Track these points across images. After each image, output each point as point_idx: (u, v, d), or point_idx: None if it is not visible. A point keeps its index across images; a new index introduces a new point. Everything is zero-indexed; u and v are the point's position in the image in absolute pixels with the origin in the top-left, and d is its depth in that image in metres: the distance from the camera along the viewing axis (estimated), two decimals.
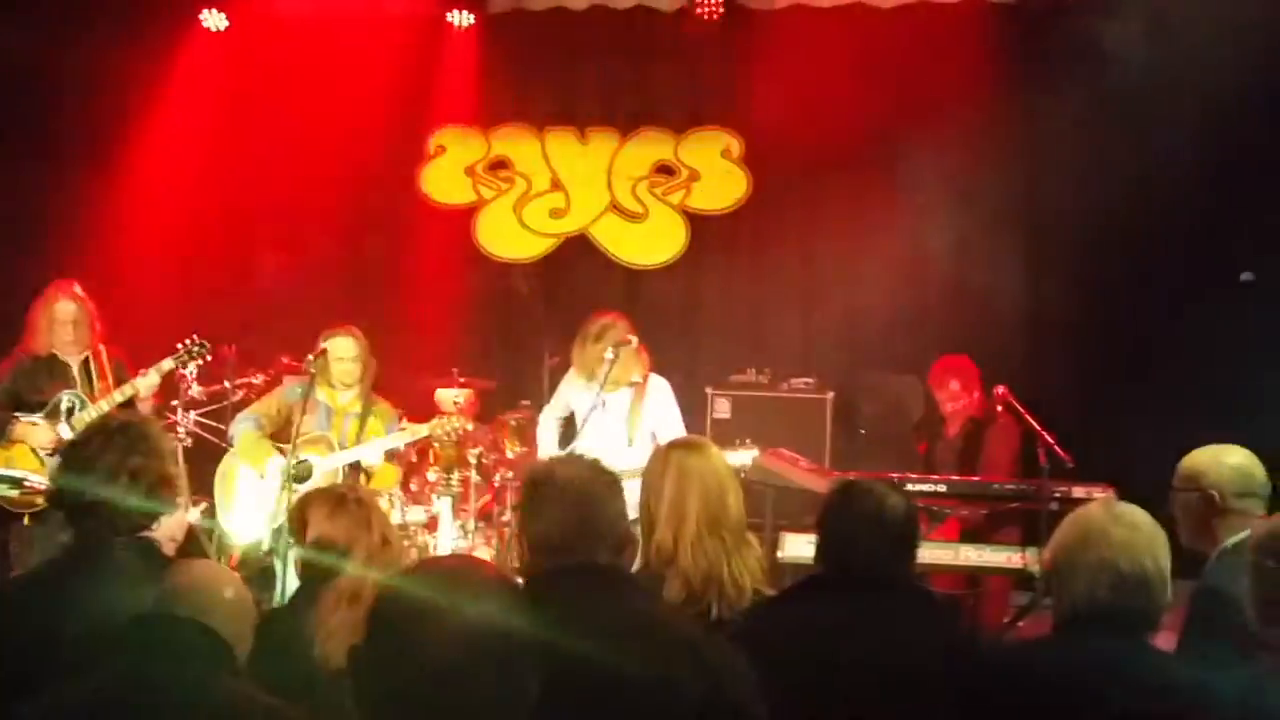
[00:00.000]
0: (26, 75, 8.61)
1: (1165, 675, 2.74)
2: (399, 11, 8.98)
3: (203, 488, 7.05)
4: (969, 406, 6.94)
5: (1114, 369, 7.88)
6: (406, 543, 7.01)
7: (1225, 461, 3.81)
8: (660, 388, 6.56)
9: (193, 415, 7.13)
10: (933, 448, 7.14)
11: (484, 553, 7.08)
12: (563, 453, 6.47)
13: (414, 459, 7.36)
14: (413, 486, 7.34)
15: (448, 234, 9.39)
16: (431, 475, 7.37)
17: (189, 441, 7.08)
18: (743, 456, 5.99)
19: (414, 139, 9.44)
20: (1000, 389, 6.60)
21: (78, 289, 6.65)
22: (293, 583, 3.95)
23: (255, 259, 8.20)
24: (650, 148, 9.36)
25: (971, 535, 6.46)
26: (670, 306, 8.97)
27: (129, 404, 6.50)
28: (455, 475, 7.31)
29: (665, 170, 9.35)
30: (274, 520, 6.31)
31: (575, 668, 2.00)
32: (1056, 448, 6.22)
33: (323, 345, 6.49)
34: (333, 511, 3.64)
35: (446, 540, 6.94)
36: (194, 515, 6.67)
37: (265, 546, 6.48)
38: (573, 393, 6.66)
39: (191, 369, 6.80)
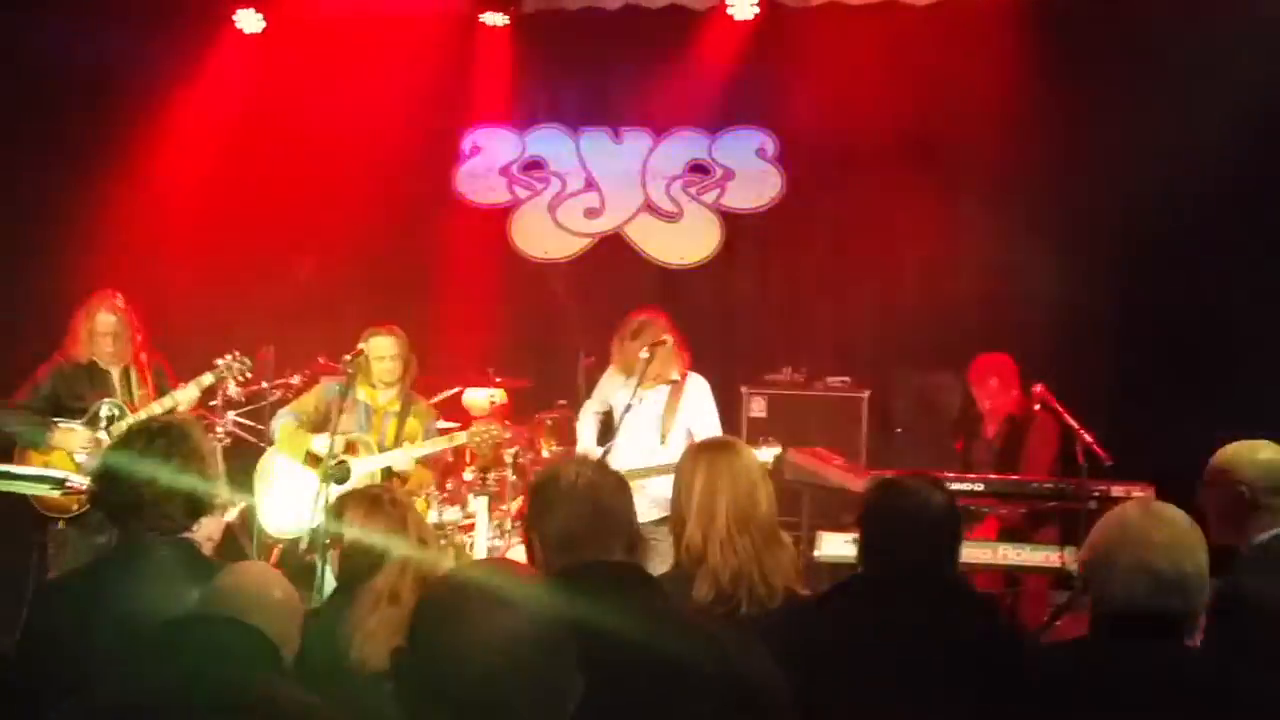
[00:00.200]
0: (60, 78, 8.70)
1: (1204, 677, 2.71)
2: (432, 12, 8.99)
3: (241, 488, 7.09)
4: (1008, 404, 6.88)
5: (1153, 365, 7.82)
6: (443, 542, 7.05)
7: (1256, 457, 3.78)
8: (698, 386, 6.56)
9: (231, 415, 7.18)
10: (970, 446, 7.09)
11: (520, 552, 7.08)
12: (596, 449, 6.50)
13: (450, 459, 7.38)
14: (449, 486, 7.36)
15: (482, 234, 9.41)
16: (468, 475, 7.39)
17: (228, 441, 7.13)
18: (765, 454, 6.01)
19: (448, 139, 9.46)
20: (1038, 387, 6.56)
21: (119, 301, 6.69)
22: (331, 583, 3.97)
23: (290, 260, 8.24)
24: (684, 147, 9.36)
25: (1010, 534, 6.43)
26: (705, 306, 8.96)
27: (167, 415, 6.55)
28: (492, 475, 7.33)
29: (699, 169, 9.34)
30: (313, 519, 6.34)
31: (602, 665, 1.99)
32: (1095, 446, 6.18)
33: (361, 345, 6.51)
34: (369, 513, 3.66)
35: (483, 540, 6.95)
36: (233, 514, 6.72)
37: (304, 545, 6.51)
38: (612, 389, 6.67)
39: (232, 387, 6.83)
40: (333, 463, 6.27)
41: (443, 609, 1.97)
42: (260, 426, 7.19)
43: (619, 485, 2.90)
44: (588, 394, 7.07)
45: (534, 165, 9.56)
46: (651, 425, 6.46)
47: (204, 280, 8.41)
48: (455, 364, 8.07)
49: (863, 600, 3.22)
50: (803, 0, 8.72)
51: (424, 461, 6.61)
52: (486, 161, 9.57)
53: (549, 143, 9.54)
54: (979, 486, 6.25)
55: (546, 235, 9.51)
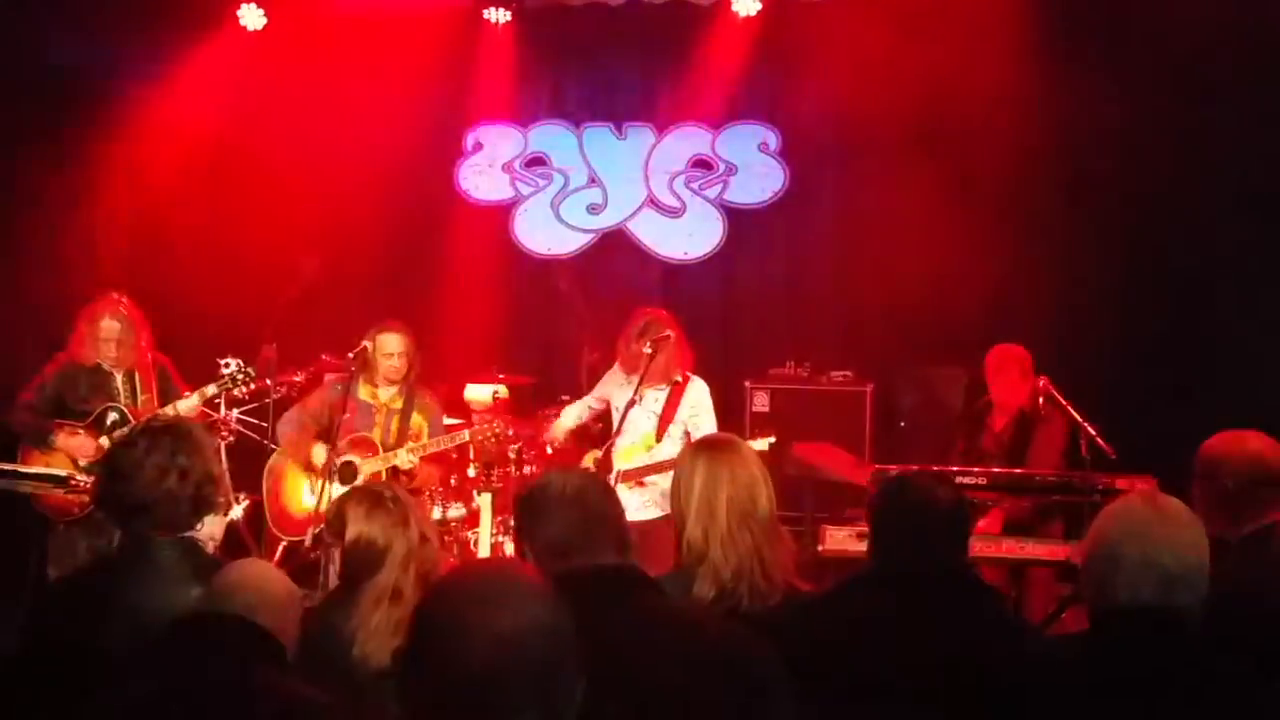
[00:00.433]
0: (62, 76, 8.70)
1: (1208, 672, 2.70)
2: (435, 8, 8.99)
3: (246, 485, 7.11)
4: (1021, 397, 6.80)
5: (1157, 358, 7.82)
6: (448, 539, 7.06)
7: (1244, 448, 3.77)
8: (699, 389, 6.57)
9: (235, 413, 7.19)
10: (976, 439, 7.00)
11: None
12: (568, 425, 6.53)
13: (454, 455, 7.39)
14: (453, 482, 7.37)
15: (486, 231, 9.42)
16: (472, 472, 7.40)
17: (231, 439, 7.14)
18: (760, 444, 6.05)
19: (451, 136, 9.47)
20: (1041, 380, 6.55)
21: (123, 306, 6.70)
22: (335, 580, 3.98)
23: (293, 257, 8.24)
24: (687, 142, 9.36)
25: (1015, 527, 6.42)
26: (708, 301, 8.97)
27: None
28: (495, 471, 7.34)
29: (702, 164, 9.34)
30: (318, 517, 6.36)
31: (603, 666, 2.00)
32: (1099, 439, 6.18)
33: (365, 342, 6.51)
34: (371, 510, 3.67)
35: (486, 536, 6.96)
36: (237, 512, 6.74)
37: (308, 543, 6.52)
38: (613, 387, 6.68)
39: (239, 391, 6.84)
40: (338, 463, 6.28)
41: (445, 608, 1.97)
42: (264, 424, 7.20)
43: (606, 490, 2.94)
44: (590, 390, 7.07)
45: (537, 161, 9.57)
46: (648, 423, 6.48)
47: (207, 277, 8.42)
48: (459, 360, 8.07)
49: (872, 596, 3.21)
50: None
51: (429, 458, 6.61)
52: (489, 158, 9.58)
53: (552, 139, 9.55)
54: (983, 480, 6.23)
55: (550, 231, 9.52)
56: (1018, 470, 6.45)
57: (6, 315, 8.18)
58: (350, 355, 6.49)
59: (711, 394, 6.70)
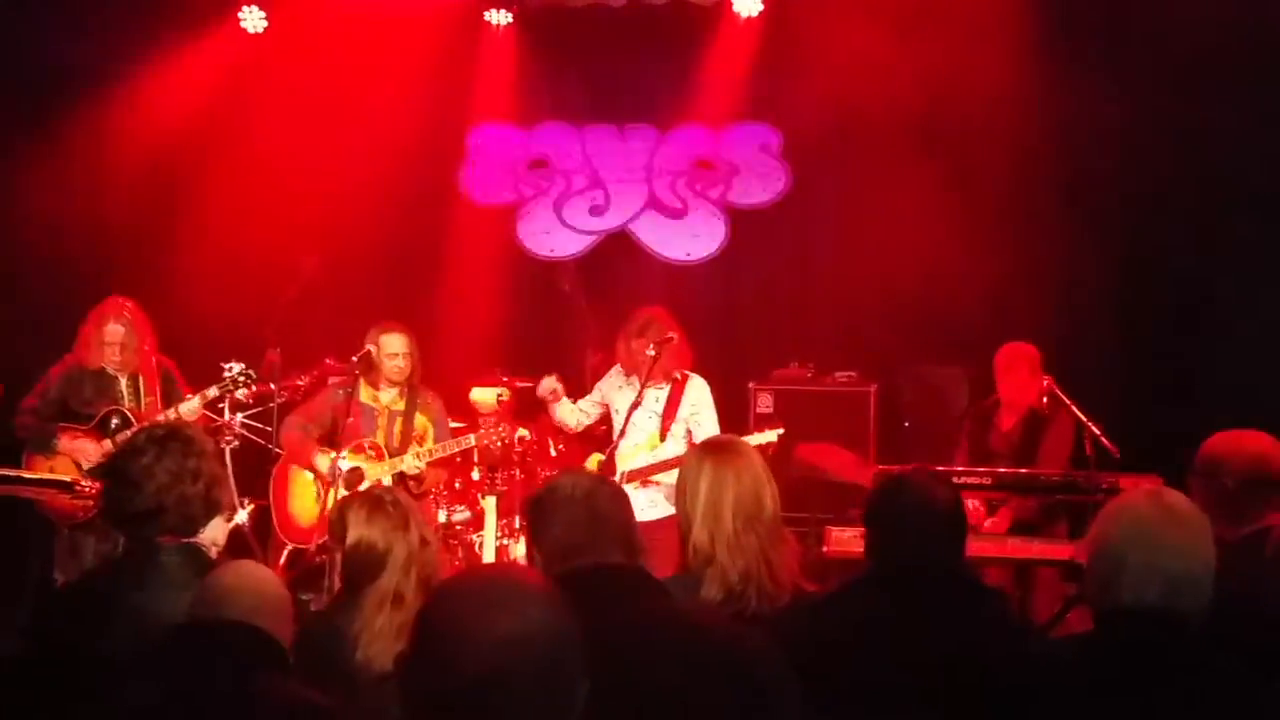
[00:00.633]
0: (63, 78, 8.70)
1: (1211, 673, 2.68)
2: (436, 10, 8.98)
3: (250, 489, 7.11)
4: (1031, 396, 6.76)
5: (1159, 357, 7.81)
6: (453, 542, 7.07)
7: (1245, 448, 3.75)
8: (699, 386, 6.58)
9: (239, 417, 7.19)
10: (984, 438, 6.97)
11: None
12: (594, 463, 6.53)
13: (458, 459, 7.39)
14: (457, 485, 7.37)
15: (488, 233, 9.41)
16: (476, 475, 7.40)
17: (236, 444, 7.14)
18: (769, 435, 6.03)
19: (453, 138, 9.47)
20: (1046, 380, 6.55)
21: (127, 309, 6.73)
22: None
23: (296, 260, 8.24)
24: (689, 143, 9.35)
25: (1021, 527, 6.42)
26: (711, 302, 8.95)
27: None
28: (500, 474, 7.34)
29: (704, 165, 9.34)
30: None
31: (607, 667, 2.00)
32: (1103, 438, 6.17)
33: (369, 344, 6.52)
34: (371, 514, 3.68)
35: (491, 539, 6.96)
36: (242, 517, 6.74)
37: (313, 547, 6.53)
38: (612, 390, 6.68)
39: (241, 393, 6.85)
40: (344, 468, 6.29)
41: (448, 612, 1.97)
42: (268, 429, 7.20)
43: (616, 493, 2.95)
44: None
45: (539, 163, 9.57)
46: (651, 422, 6.48)
47: (209, 280, 8.41)
48: (462, 363, 8.07)
49: (871, 597, 3.21)
50: None
51: (434, 461, 6.61)
52: (492, 160, 9.57)
53: (554, 140, 9.54)
54: (987, 480, 6.22)
55: (552, 233, 9.52)
56: (1022, 470, 6.44)
57: (8, 317, 8.19)
58: (354, 359, 6.49)
59: (715, 395, 6.71)
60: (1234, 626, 2.87)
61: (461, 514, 7.22)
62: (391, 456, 6.51)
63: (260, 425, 7.35)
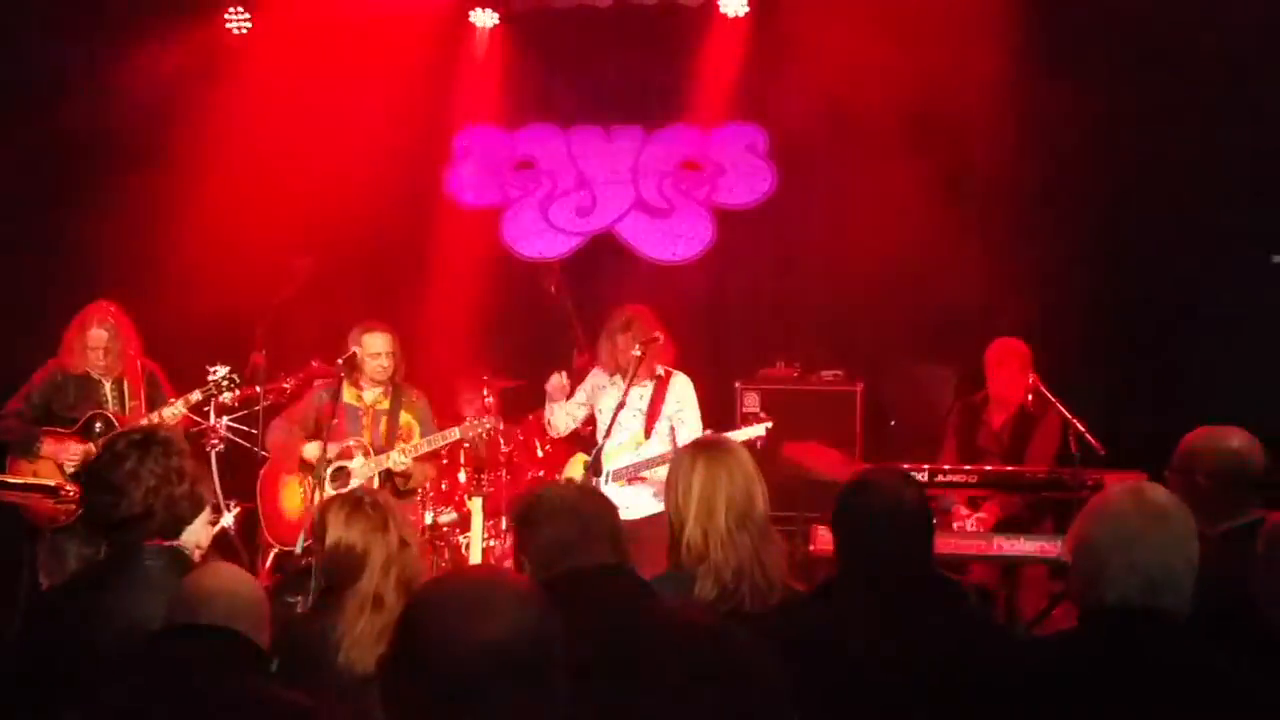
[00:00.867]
0: (47, 84, 8.68)
1: (1195, 669, 2.69)
2: (421, 12, 8.97)
3: (235, 492, 7.10)
4: (1020, 393, 6.76)
5: (1145, 355, 7.83)
6: (439, 544, 7.06)
7: (1222, 445, 3.74)
8: (683, 383, 6.58)
9: (225, 420, 7.18)
10: (972, 436, 6.97)
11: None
12: (579, 463, 6.52)
13: (445, 460, 7.38)
14: (444, 487, 7.36)
15: (475, 235, 9.41)
16: (463, 476, 7.39)
17: (221, 447, 7.13)
18: (757, 429, 6.04)
19: (439, 140, 9.46)
20: (1031, 378, 6.56)
21: (111, 314, 6.71)
22: None
23: (282, 261, 8.22)
24: (675, 143, 9.35)
25: (1006, 524, 6.43)
26: (697, 302, 8.95)
27: None
28: (486, 476, 7.33)
29: (690, 165, 9.34)
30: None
31: (593, 666, 2.00)
32: (1089, 436, 6.18)
33: (352, 345, 6.51)
34: (349, 516, 3.67)
35: (478, 541, 6.96)
36: (228, 520, 6.73)
37: (299, 549, 6.52)
38: (595, 390, 6.67)
39: (226, 397, 6.84)
40: (329, 469, 6.28)
41: (430, 613, 1.97)
42: (254, 431, 7.19)
43: (600, 498, 3.01)
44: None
45: (525, 164, 9.56)
46: (636, 420, 6.48)
47: (195, 283, 8.39)
48: (448, 364, 8.06)
49: (840, 599, 3.21)
50: None
51: (421, 457, 6.60)
52: (478, 161, 9.57)
53: (540, 141, 9.54)
54: (973, 478, 6.23)
55: (539, 234, 9.51)
56: (1008, 467, 6.45)
57: None
58: (340, 361, 6.48)
59: (702, 395, 6.71)
60: (1218, 622, 2.88)
61: (448, 515, 7.21)
62: (377, 455, 6.50)
63: (246, 428, 7.33)
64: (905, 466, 5.78)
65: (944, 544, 5.55)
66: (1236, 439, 3.76)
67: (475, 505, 7.01)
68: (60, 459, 6.48)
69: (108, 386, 6.68)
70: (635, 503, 6.20)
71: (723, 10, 8.76)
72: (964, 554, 6.01)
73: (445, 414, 7.30)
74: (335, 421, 6.37)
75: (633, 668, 2.48)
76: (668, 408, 6.51)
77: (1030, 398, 6.55)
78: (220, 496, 6.91)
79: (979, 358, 6.90)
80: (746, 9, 8.72)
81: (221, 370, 6.69)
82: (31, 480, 6.38)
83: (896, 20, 8.27)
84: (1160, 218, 7.79)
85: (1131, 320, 7.96)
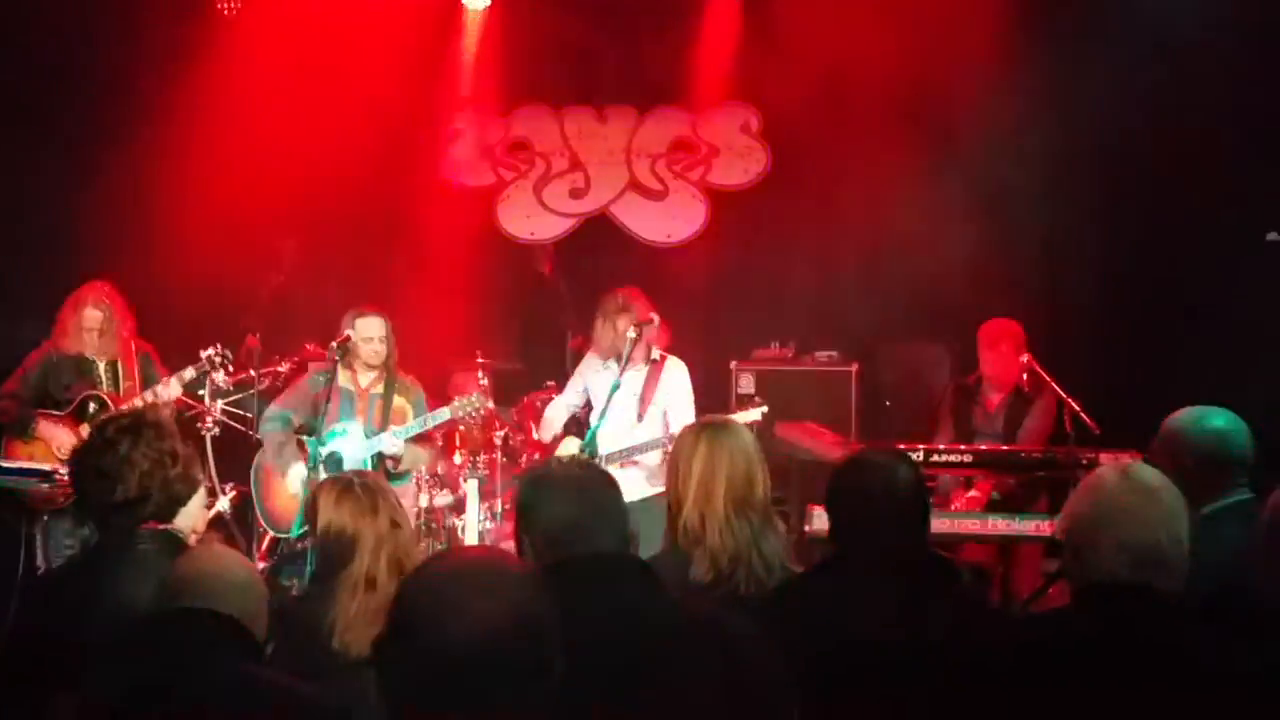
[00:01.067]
0: (40, 68, 8.64)
1: (1189, 647, 2.69)
2: None
3: (230, 476, 7.09)
4: (1014, 374, 6.75)
5: (1139, 333, 7.84)
6: (434, 526, 7.06)
7: (1206, 425, 3.72)
8: (677, 368, 6.56)
9: (220, 404, 7.17)
10: (968, 415, 6.95)
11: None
12: (571, 445, 6.51)
13: (440, 443, 7.37)
14: (440, 470, 7.36)
15: (468, 217, 9.39)
16: (458, 459, 7.39)
17: (216, 431, 7.12)
18: (752, 414, 6.05)
19: (432, 122, 9.43)
20: (1025, 357, 6.56)
21: (106, 295, 6.70)
22: None
23: (276, 246, 8.22)
24: (668, 124, 9.34)
25: (1001, 503, 6.43)
26: (692, 283, 8.95)
27: None
28: (482, 458, 7.33)
29: (684, 147, 9.33)
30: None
31: (593, 653, 2.00)
32: (1083, 414, 6.18)
33: (347, 330, 6.49)
34: (339, 499, 3.66)
35: (474, 523, 6.95)
36: (223, 504, 6.72)
37: (295, 533, 6.52)
38: (591, 375, 6.66)
39: (221, 376, 6.83)
40: (324, 454, 6.27)
41: (424, 592, 1.97)
42: (249, 415, 7.18)
43: (608, 481, 2.95)
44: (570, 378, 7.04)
45: (519, 146, 9.55)
46: (629, 404, 6.47)
47: (188, 266, 8.35)
48: (442, 346, 8.05)
49: (839, 579, 3.20)
50: None
51: (414, 439, 6.59)
52: (471, 143, 9.55)
53: (533, 123, 9.52)
54: (967, 458, 6.23)
55: (533, 216, 9.50)
56: (1002, 447, 6.45)
57: None
58: (334, 344, 6.47)
59: (697, 376, 6.70)
60: (1205, 603, 2.88)
61: (444, 498, 7.20)
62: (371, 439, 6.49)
63: (241, 412, 7.32)
64: (901, 447, 5.78)
65: (939, 523, 5.54)
66: (1219, 419, 3.75)
67: (470, 488, 7.01)
68: (55, 441, 6.48)
69: (102, 367, 6.67)
70: (628, 486, 6.16)
71: None
72: (959, 533, 6.01)
73: (439, 396, 7.29)
74: (330, 405, 6.35)
75: (634, 656, 2.48)
76: (661, 393, 6.49)
77: (1025, 378, 6.55)
78: (215, 480, 6.91)
79: (974, 338, 6.89)
80: None
81: (213, 349, 6.70)
82: (25, 464, 6.37)
83: (890, 1, 8.26)
84: (1157, 197, 7.79)
85: (1127, 299, 7.96)
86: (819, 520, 6.05)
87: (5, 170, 8.44)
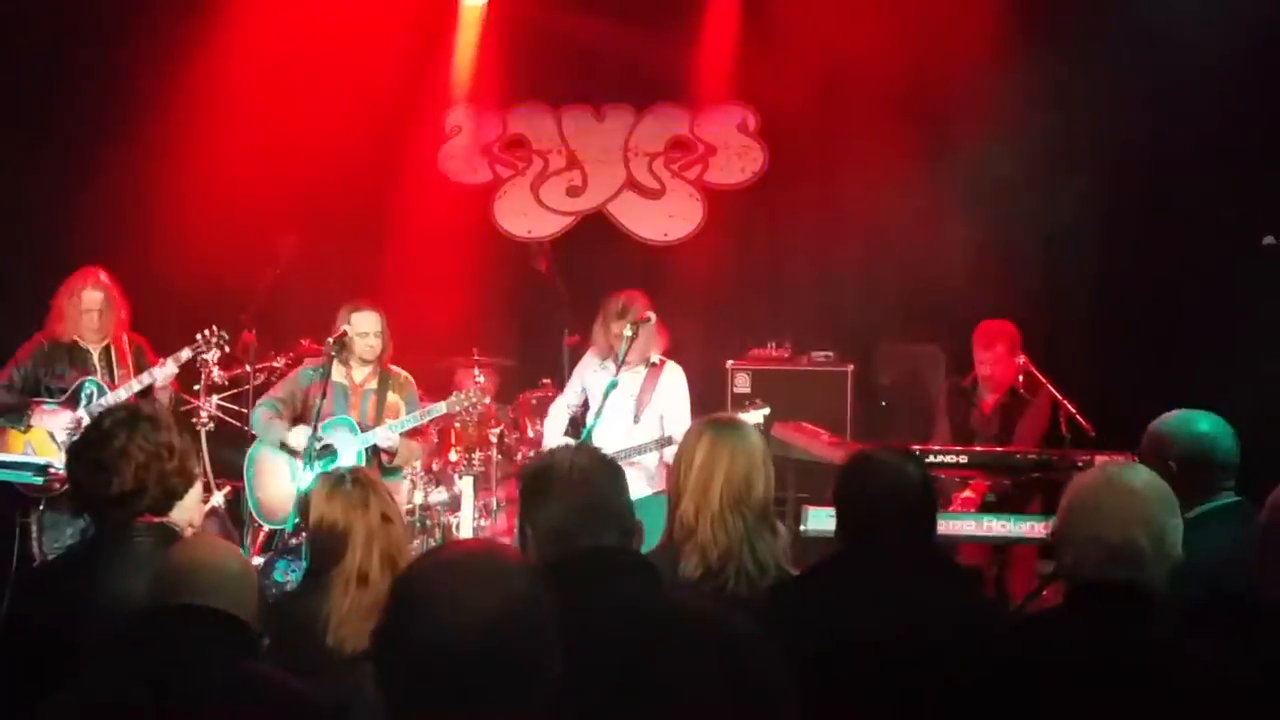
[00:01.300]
0: (37, 65, 8.63)
1: (1175, 646, 2.70)
2: None
3: (225, 471, 7.08)
4: (1010, 374, 6.74)
5: (1136, 336, 7.85)
6: (430, 523, 7.05)
7: (1191, 430, 3.73)
8: (675, 374, 6.58)
9: (215, 399, 7.16)
10: (965, 417, 6.94)
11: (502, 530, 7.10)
12: (567, 440, 6.50)
13: (436, 439, 7.37)
14: (435, 467, 7.35)
15: (465, 214, 9.39)
16: (454, 455, 7.38)
17: (211, 426, 7.11)
18: (754, 415, 6.04)
19: (429, 119, 9.42)
20: (1020, 359, 6.56)
21: (103, 276, 6.70)
22: None
23: (273, 241, 8.20)
24: (666, 123, 9.34)
25: (996, 506, 6.43)
26: (688, 282, 8.92)
27: (146, 392, 6.55)
28: (477, 455, 7.33)
29: (681, 145, 9.33)
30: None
31: (594, 650, 2.00)
32: (1078, 416, 6.18)
33: (344, 325, 6.48)
34: (330, 494, 3.67)
35: (469, 521, 6.95)
36: (218, 499, 6.72)
37: (290, 527, 6.51)
38: (588, 375, 6.66)
39: (214, 354, 6.83)
40: (317, 446, 6.26)
41: (421, 584, 1.96)
42: (244, 410, 7.17)
43: (614, 474, 2.88)
44: (571, 373, 7.05)
45: (516, 144, 9.54)
46: (627, 404, 6.47)
47: (185, 262, 8.34)
48: (438, 343, 8.05)
49: (843, 577, 3.19)
50: None
51: (409, 434, 6.59)
52: (468, 140, 9.54)
53: (531, 120, 9.51)
54: (962, 459, 6.23)
55: (529, 214, 9.50)
56: (997, 448, 6.45)
57: None
58: (330, 340, 6.46)
59: (693, 375, 6.71)
60: (1191, 604, 2.89)
61: (439, 495, 7.20)
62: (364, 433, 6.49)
63: (236, 407, 7.32)
64: None
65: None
66: (1205, 422, 3.75)
67: (466, 485, 7.01)
68: (51, 428, 6.48)
69: (96, 355, 6.66)
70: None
71: None
72: (954, 535, 6.00)
73: (436, 393, 7.29)
74: (324, 400, 6.34)
75: (635, 652, 2.48)
76: (658, 397, 6.50)
77: (1021, 379, 6.54)
78: (210, 476, 6.90)
79: (970, 339, 6.89)
80: None
81: (207, 330, 6.69)
82: (19, 458, 6.36)
83: (888, 1, 8.26)
84: (1154, 198, 7.79)
85: (1124, 301, 7.96)
86: (814, 520, 6.05)
87: (3, 167, 8.43)
